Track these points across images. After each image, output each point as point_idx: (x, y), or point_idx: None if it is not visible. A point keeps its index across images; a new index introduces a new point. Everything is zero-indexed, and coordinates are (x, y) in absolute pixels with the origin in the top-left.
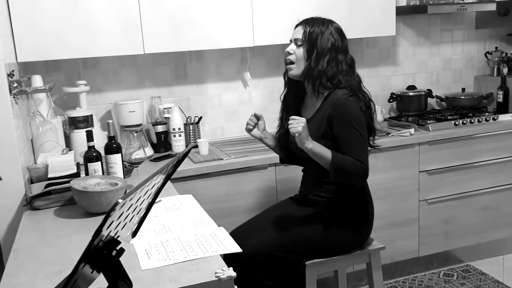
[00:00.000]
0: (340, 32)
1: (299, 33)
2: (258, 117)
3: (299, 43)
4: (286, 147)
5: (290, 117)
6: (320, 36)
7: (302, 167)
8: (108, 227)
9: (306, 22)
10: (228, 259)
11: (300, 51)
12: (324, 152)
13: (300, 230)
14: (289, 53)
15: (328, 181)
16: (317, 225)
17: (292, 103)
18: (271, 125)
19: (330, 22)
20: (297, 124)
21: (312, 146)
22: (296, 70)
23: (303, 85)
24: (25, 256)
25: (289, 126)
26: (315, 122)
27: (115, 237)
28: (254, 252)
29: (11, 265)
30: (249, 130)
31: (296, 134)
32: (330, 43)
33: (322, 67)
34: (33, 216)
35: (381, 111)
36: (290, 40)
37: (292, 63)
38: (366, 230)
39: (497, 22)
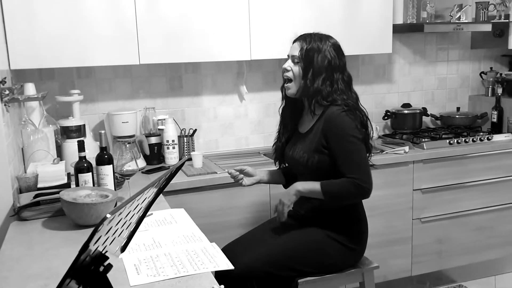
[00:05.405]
0: (337, 49)
1: (296, 50)
2: (240, 171)
3: (296, 60)
4: (282, 160)
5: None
6: (317, 54)
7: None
8: (95, 242)
9: (303, 39)
10: (220, 276)
11: (297, 69)
12: (311, 186)
13: (293, 246)
14: (286, 70)
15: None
16: (310, 241)
17: (289, 118)
18: (267, 140)
19: (328, 38)
20: (282, 214)
21: (301, 189)
22: (293, 88)
23: (301, 100)
24: (9, 268)
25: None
26: (310, 136)
27: (103, 252)
28: (246, 269)
29: None
30: (242, 184)
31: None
32: (327, 61)
33: (318, 86)
34: (20, 227)
35: (376, 129)
36: (288, 55)
37: (290, 81)
38: (360, 248)
39: (492, 43)
